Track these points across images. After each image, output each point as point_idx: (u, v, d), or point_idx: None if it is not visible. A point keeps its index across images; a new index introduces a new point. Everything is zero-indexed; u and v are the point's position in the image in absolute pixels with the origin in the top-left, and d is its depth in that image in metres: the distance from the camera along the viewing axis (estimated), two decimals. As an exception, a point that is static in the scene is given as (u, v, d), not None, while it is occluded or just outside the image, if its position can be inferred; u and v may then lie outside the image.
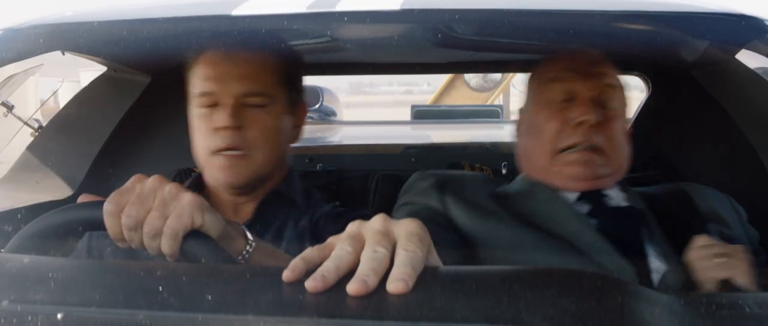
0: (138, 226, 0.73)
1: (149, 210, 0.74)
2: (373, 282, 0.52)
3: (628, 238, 1.05)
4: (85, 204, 0.79)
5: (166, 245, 0.73)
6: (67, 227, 0.77)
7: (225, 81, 1.09)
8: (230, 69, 1.10)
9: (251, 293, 0.54)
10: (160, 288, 0.53)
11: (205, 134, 1.10)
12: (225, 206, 1.13)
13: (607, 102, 1.11)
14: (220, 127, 1.08)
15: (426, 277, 0.54)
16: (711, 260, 0.92)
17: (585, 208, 1.10)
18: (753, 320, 0.50)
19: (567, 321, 0.46)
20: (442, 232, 1.07)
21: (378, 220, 0.60)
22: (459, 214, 1.10)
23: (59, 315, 0.48)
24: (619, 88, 1.15)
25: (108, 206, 0.74)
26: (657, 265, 1.03)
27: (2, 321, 0.49)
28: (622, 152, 1.13)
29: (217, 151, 1.09)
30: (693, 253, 0.95)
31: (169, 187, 0.75)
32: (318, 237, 1.06)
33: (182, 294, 0.54)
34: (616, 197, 1.13)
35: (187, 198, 0.74)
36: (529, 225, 1.07)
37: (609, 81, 1.13)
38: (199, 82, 1.10)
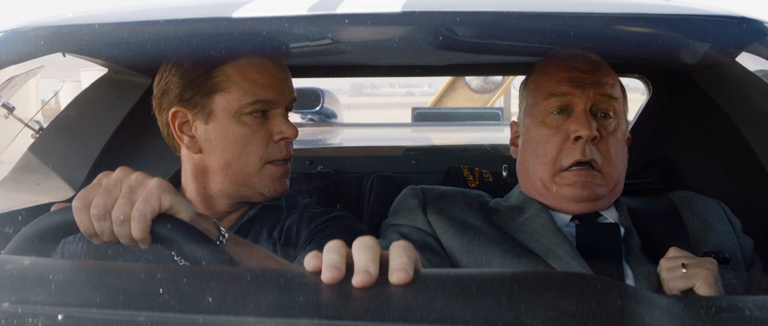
0: (106, 215, 0.73)
1: (116, 199, 0.74)
2: (374, 271, 0.53)
3: (604, 254, 1.06)
4: (56, 211, 0.78)
5: (136, 229, 0.72)
6: (42, 237, 0.76)
7: (281, 89, 1.08)
8: (284, 76, 1.09)
9: (251, 295, 0.54)
10: (161, 290, 0.53)
11: (260, 143, 1.07)
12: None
13: (604, 111, 1.11)
14: (286, 137, 1.08)
15: (427, 280, 0.55)
16: (675, 271, 0.94)
17: (573, 226, 1.11)
18: (752, 323, 0.50)
19: (567, 323, 0.46)
20: (427, 254, 1.09)
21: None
22: (443, 232, 1.11)
23: (60, 316, 0.48)
24: (618, 94, 1.14)
25: (76, 203, 0.74)
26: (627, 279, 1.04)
27: (3, 322, 0.49)
28: (620, 168, 1.13)
29: (274, 161, 1.08)
30: (660, 264, 0.98)
31: (136, 175, 0.75)
32: (289, 243, 1.06)
33: (183, 296, 0.54)
34: (610, 217, 1.13)
35: (154, 182, 0.74)
36: (507, 240, 1.08)
37: (605, 90, 1.11)
38: (251, 88, 1.05)
